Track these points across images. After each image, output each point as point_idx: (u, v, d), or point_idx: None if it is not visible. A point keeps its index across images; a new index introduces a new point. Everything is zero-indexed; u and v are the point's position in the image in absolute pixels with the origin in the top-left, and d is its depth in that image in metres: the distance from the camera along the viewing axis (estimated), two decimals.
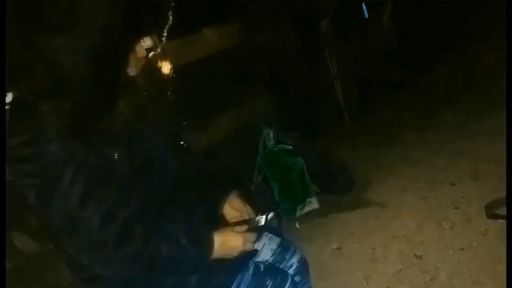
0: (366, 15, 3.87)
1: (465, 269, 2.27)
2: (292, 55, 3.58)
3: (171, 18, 1.20)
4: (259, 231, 1.49)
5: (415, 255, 2.44)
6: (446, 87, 4.39)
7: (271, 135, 3.06)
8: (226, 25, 3.48)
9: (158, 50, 1.24)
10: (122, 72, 1.19)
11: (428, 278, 2.27)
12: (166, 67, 1.29)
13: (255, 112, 3.63)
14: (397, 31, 4.61)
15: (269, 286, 1.41)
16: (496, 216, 2.49)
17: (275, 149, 3.02)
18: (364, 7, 3.88)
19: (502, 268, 2.15)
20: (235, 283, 1.39)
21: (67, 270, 1.33)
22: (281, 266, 1.56)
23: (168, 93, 1.33)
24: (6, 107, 1.15)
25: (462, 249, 2.40)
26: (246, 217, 1.46)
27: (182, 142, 1.51)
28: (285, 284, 1.45)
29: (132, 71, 1.22)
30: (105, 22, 1.09)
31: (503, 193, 2.56)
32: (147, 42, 1.20)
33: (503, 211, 2.47)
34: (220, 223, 1.45)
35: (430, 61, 4.55)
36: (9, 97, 1.15)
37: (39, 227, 1.25)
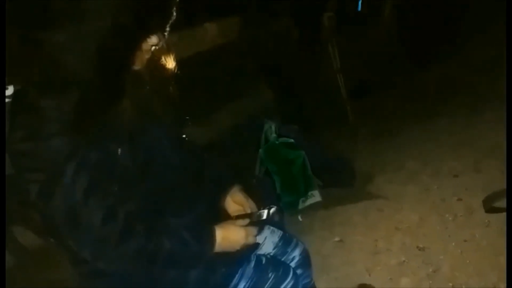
0: (360, 8, 3.84)
1: (468, 261, 2.27)
2: (294, 48, 3.57)
3: (175, 14, 1.19)
4: (261, 224, 1.49)
5: (417, 247, 2.44)
6: (447, 79, 4.38)
7: (273, 128, 3.05)
8: (227, 18, 3.46)
9: (161, 44, 1.23)
10: (128, 68, 1.19)
11: (430, 270, 2.27)
12: (169, 62, 1.29)
13: (256, 105, 3.63)
14: (398, 25, 4.59)
15: (270, 279, 1.42)
16: (495, 210, 2.49)
17: (277, 142, 3.02)
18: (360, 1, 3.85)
19: (505, 259, 2.16)
20: (236, 276, 1.39)
21: (69, 265, 1.33)
22: (283, 259, 1.56)
23: (171, 87, 1.33)
24: (7, 100, 1.15)
25: (465, 240, 2.40)
26: (248, 211, 1.46)
27: (184, 136, 1.51)
28: (287, 277, 1.45)
29: (136, 66, 1.22)
30: (112, 20, 1.08)
31: (504, 184, 2.57)
32: (153, 40, 1.19)
33: (501, 203, 2.47)
34: (222, 217, 1.45)
35: (432, 54, 4.53)
36: (9, 90, 1.15)
37: (41, 222, 1.25)
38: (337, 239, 2.67)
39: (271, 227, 1.61)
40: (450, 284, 2.17)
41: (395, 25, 4.57)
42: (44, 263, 1.91)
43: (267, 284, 1.41)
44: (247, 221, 1.42)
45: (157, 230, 1.22)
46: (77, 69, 1.09)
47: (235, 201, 1.50)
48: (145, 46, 1.20)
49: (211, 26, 3.27)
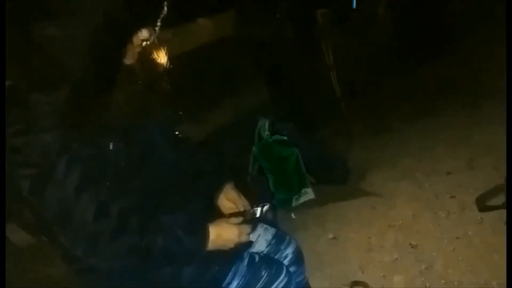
0: (354, 6, 3.83)
1: (461, 258, 2.28)
2: (288, 45, 3.56)
3: (166, 8, 1.19)
4: (254, 222, 1.49)
5: (410, 244, 2.45)
6: (442, 77, 4.39)
7: (267, 125, 3.05)
8: (221, 15, 3.45)
9: (153, 39, 1.23)
10: (120, 63, 1.18)
11: (423, 267, 2.28)
12: (161, 57, 1.28)
13: (250, 102, 3.62)
14: (394, 22, 4.59)
15: (264, 277, 1.42)
16: (488, 208, 2.50)
17: (271, 140, 3.01)
18: None
19: (497, 256, 2.17)
20: (230, 274, 1.39)
21: (62, 262, 1.33)
22: (276, 257, 1.56)
23: (164, 83, 1.32)
24: None
25: (458, 238, 2.41)
26: (241, 209, 1.47)
27: (177, 133, 1.51)
28: (280, 274, 1.45)
29: (128, 60, 1.21)
30: (104, 13, 1.08)
31: (497, 181, 2.58)
32: (144, 34, 1.19)
33: (493, 201, 2.50)
34: (216, 214, 1.45)
35: (427, 51, 4.54)
36: None
37: (32, 219, 1.25)
38: (330, 236, 2.67)
39: (264, 225, 1.61)
40: (443, 281, 2.18)
41: (391, 22, 4.57)
42: (37, 260, 1.90)
43: (260, 282, 1.41)
44: (240, 219, 1.42)
45: (151, 227, 1.21)
46: (69, 63, 1.08)
47: (228, 199, 1.50)
48: (136, 40, 1.19)
49: (205, 22, 3.25)
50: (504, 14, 2.33)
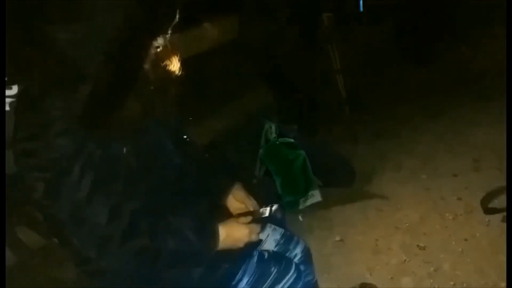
0: (361, 9, 3.83)
1: (468, 260, 2.28)
2: (293, 48, 3.57)
3: (178, 15, 1.19)
4: (263, 222, 1.50)
5: (418, 246, 2.45)
6: (447, 79, 4.39)
7: (273, 128, 3.06)
8: (226, 19, 3.47)
9: (165, 45, 1.23)
10: (137, 68, 1.18)
11: (431, 269, 2.28)
12: (172, 62, 1.29)
13: (256, 105, 3.63)
14: (398, 23, 4.60)
15: (273, 273, 1.43)
16: (493, 211, 2.51)
17: (277, 142, 3.02)
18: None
19: (505, 258, 2.17)
20: (240, 272, 1.40)
21: (72, 264, 1.33)
22: None
23: (175, 88, 1.33)
24: (11, 99, 1.14)
25: (465, 239, 2.41)
26: (250, 209, 1.47)
27: (185, 136, 1.52)
28: (290, 270, 1.46)
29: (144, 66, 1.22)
30: (123, 19, 1.07)
31: (503, 183, 2.59)
32: (159, 40, 1.20)
33: (498, 203, 2.50)
34: (224, 215, 1.46)
35: (432, 53, 4.54)
36: (13, 90, 1.14)
37: (44, 221, 1.26)
38: (337, 238, 2.67)
39: (273, 225, 1.62)
40: (451, 283, 2.18)
41: (393, 23, 4.58)
42: (47, 262, 1.91)
43: (270, 278, 1.42)
44: (249, 218, 1.42)
45: (160, 229, 1.22)
46: (86, 66, 1.08)
47: (237, 199, 1.51)
48: (150, 46, 1.20)
49: (210, 26, 3.26)
50: (503, 11, 2.34)
